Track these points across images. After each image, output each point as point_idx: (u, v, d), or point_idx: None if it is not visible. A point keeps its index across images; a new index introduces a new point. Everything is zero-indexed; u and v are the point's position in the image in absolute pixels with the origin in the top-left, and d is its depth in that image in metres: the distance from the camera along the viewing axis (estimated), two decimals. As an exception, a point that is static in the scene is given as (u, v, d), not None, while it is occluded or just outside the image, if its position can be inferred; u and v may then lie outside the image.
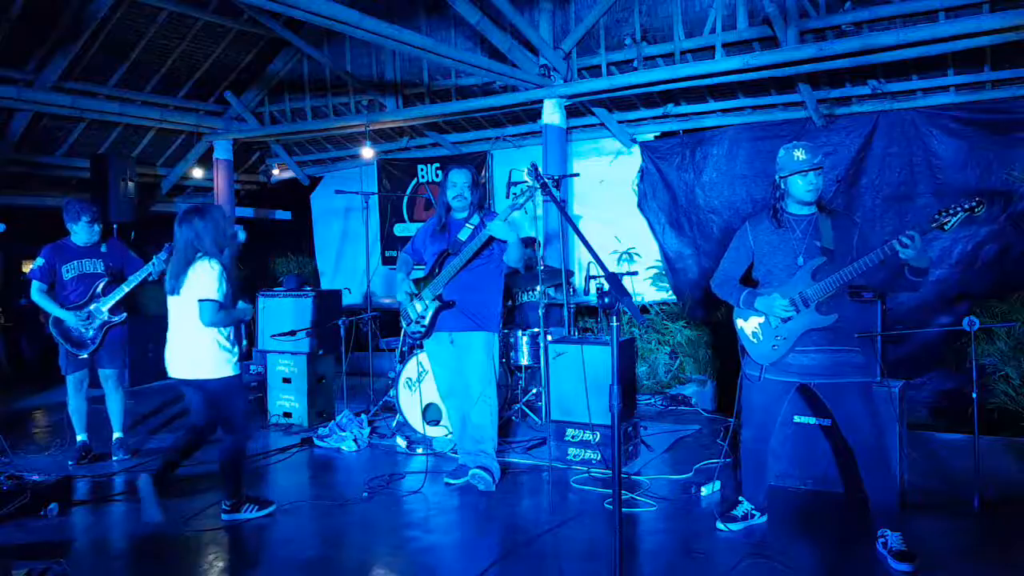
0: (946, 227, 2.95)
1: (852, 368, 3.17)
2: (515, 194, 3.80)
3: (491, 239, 4.00)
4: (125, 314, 4.89)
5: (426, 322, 4.21)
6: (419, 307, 4.23)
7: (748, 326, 3.35)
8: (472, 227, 4.17)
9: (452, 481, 4.32)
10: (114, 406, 4.95)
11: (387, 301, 6.66)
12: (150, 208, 9.19)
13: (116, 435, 4.97)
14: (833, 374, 3.17)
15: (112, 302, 4.76)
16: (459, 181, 4.18)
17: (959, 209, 2.90)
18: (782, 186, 3.22)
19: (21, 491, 3.79)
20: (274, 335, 5.98)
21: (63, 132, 7.79)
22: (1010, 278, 5.59)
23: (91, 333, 4.75)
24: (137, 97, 7.64)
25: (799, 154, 3.15)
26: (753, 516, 3.52)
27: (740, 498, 3.57)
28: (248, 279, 9.88)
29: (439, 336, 4.26)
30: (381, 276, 8.70)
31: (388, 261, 8.85)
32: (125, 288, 4.74)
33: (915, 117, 5.96)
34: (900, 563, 3.02)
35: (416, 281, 4.29)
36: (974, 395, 3.69)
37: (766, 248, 3.29)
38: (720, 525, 3.47)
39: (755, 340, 3.32)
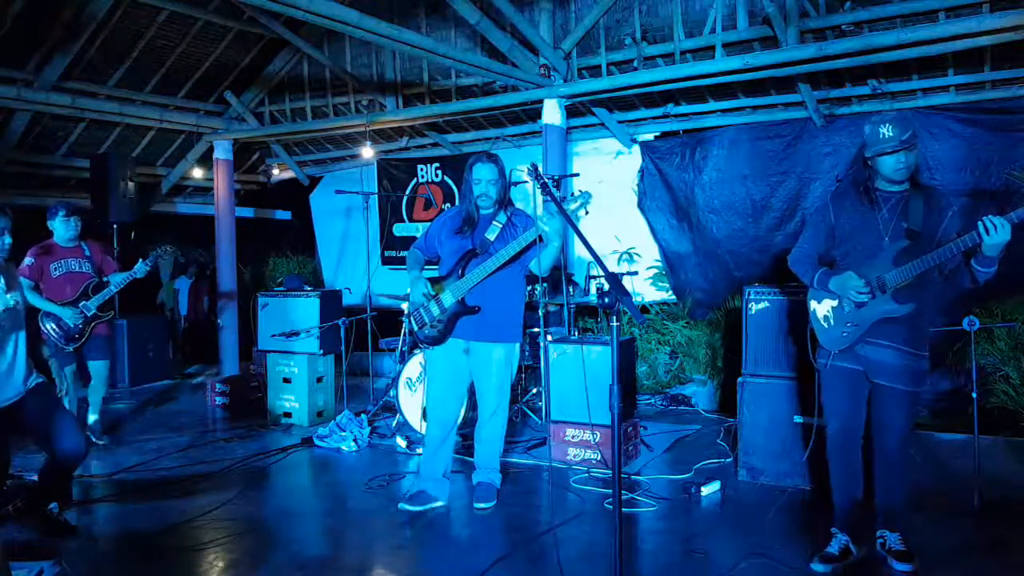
0: None
1: (913, 376, 2.97)
2: (569, 198, 3.44)
3: (533, 241, 3.60)
4: (112, 312, 5.26)
5: (443, 327, 3.84)
6: (436, 310, 3.85)
7: (821, 309, 3.12)
8: (500, 225, 3.80)
9: (410, 507, 3.85)
10: (96, 395, 5.37)
11: (387, 300, 6.65)
12: (150, 208, 9.19)
13: (93, 417, 5.37)
14: (896, 379, 2.96)
15: (100, 302, 5.08)
16: (484, 177, 3.78)
17: None
18: (871, 164, 2.94)
19: (18, 491, 3.79)
20: (274, 335, 5.98)
21: (63, 132, 7.79)
22: (1010, 279, 5.58)
23: (80, 327, 5.03)
24: (137, 97, 7.64)
25: (886, 131, 2.85)
26: (851, 552, 3.09)
27: (833, 530, 3.13)
28: (248, 279, 9.90)
29: (453, 343, 3.88)
30: (381, 276, 8.70)
31: (388, 261, 8.85)
32: (113, 289, 5.09)
33: (915, 117, 5.94)
34: (900, 563, 3.01)
35: (433, 280, 3.89)
36: (974, 395, 3.69)
37: (848, 227, 3.03)
38: (816, 567, 3.03)
39: (826, 324, 3.10)
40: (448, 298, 3.82)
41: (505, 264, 3.72)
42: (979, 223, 2.67)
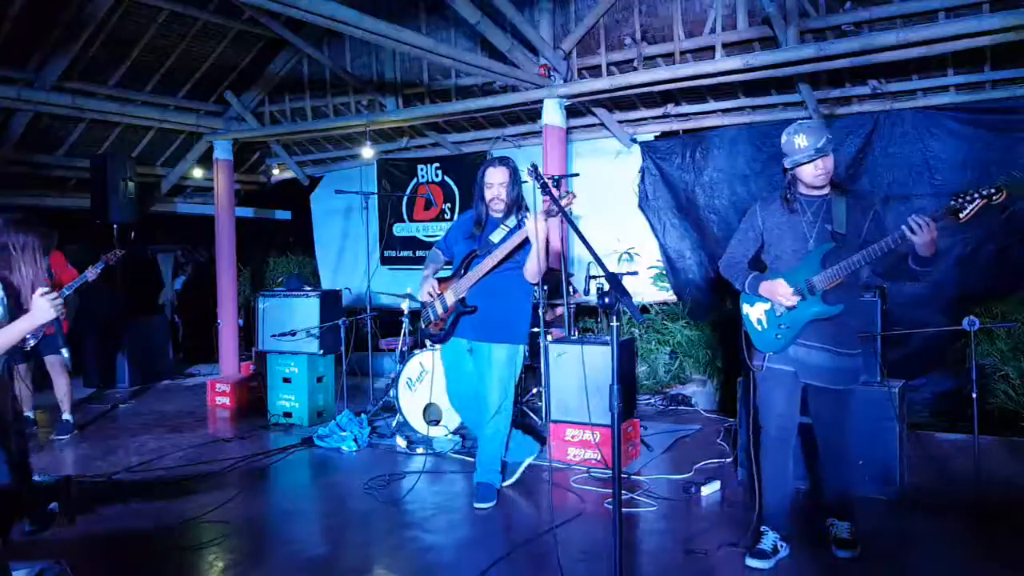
0: (961, 215, 2.64)
1: (848, 375, 3.06)
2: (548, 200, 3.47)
3: (524, 242, 3.72)
4: (64, 314, 5.34)
5: (446, 326, 3.97)
6: (440, 309, 4.00)
7: (754, 312, 3.17)
8: (508, 229, 3.86)
9: (483, 505, 3.91)
10: (60, 390, 5.67)
11: (386, 300, 6.65)
12: (150, 208, 9.19)
13: (65, 416, 5.68)
14: (829, 380, 3.05)
15: None
16: (495, 181, 3.85)
17: (976, 196, 2.61)
18: (790, 175, 3.04)
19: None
20: (274, 335, 5.98)
21: (63, 132, 7.78)
22: (1009, 278, 5.59)
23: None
24: (137, 97, 7.63)
25: (800, 141, 2.95)
26: (779, 549, 3.16)
27: (764, 528, 3.20)
28: (248, 279, 9.90)
29: (457, 343, 4.02)
30: (381, 276, 8.70)
31: (388, 261, 8.85)
32: (66, 291, 5.08)
33: (915, 117, 5.95)
34: (842, 550, 3.15)
35: (443, 281, 4.05)
36: (974, 395, 3.68)
37: (775, 231, 3.11)
38: (751, 562, 3.09)
39: (759, 327, 3.15)
40: (450, 297, 3.92)
41: (500, 264, 3.78)
42: (904, 224, 2.71)
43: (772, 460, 3.20)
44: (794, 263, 3.04)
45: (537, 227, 3.57)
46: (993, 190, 2.62)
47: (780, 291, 3.02)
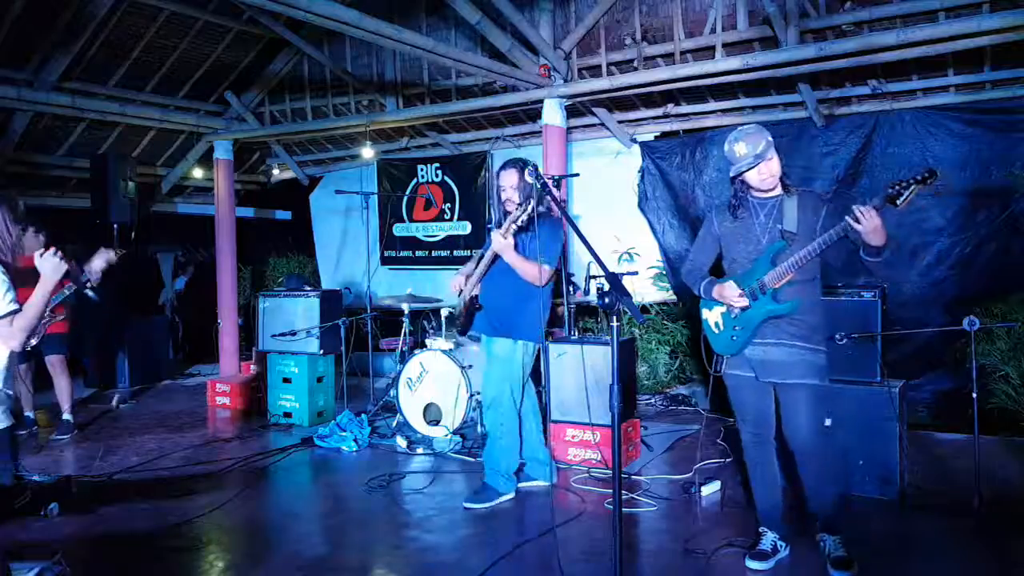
0: (898, 202, 2.74)
1: (809, 369, 3.00)
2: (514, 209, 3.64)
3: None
4: (63, 314, 5.38)
5: (463, 320, 4.20)
6: (461, 304, 4.22)
7: (712, 316, 3.22)
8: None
9: (470, 505, 3.96)
10: (61, 389, 5.64)
11: (388, 302, 6.65)
12: (150, 208, 9.18)
13: (65, 416, 5.64)
14: (790, 375, 3.01)
15: (54, 304, 5.17)
16: (506, 184, 3.92)
17: (911, 181, 2.71)
18: (738, 182, 3.08)
19: (21, 491, 3.80)
20: (274, 335, 5.98)
21: (63, 132, 7.78)
22: (1009, 278, 5.59)
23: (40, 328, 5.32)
24: (137, 97, 7.63)
25: (740, 149, 2.97)
26: (779, 550, 3.17)
27: (761, 529, 3.22)
28: (248, 279, 9.90)
29: (482, 338, 4.24)
30: (381, 276, 8.70)
31: (387, 261, 8.85)
32: (65, 291, 5.07)
33: (915, 117, 5.95)
34: (837, 571, 3.00)
35: (470, 277, 4.20)
36: (974, 395, 3.68)
37: (730, 236, 3.16)
38: (750, 564, 3.10)
39: (716, 330, 3.20)
40: (466, 294, 4.14)
41: (491, 264, 3.95)
42: (848, 215, 2.77)
43: (755, 460, 3.23)
44: (749, 265, 3.09)
45: (500, 242, 3.69)
46: (927, 173, 2.72)
47: (727, 294, 3.08)
